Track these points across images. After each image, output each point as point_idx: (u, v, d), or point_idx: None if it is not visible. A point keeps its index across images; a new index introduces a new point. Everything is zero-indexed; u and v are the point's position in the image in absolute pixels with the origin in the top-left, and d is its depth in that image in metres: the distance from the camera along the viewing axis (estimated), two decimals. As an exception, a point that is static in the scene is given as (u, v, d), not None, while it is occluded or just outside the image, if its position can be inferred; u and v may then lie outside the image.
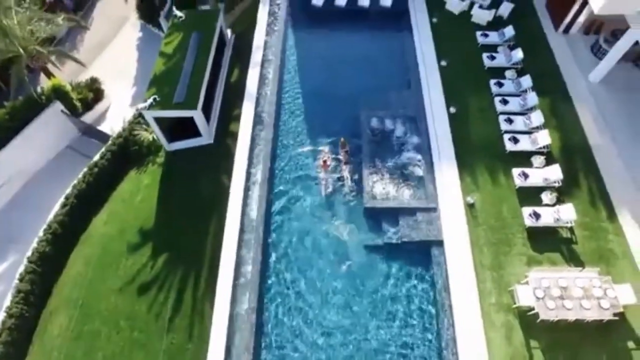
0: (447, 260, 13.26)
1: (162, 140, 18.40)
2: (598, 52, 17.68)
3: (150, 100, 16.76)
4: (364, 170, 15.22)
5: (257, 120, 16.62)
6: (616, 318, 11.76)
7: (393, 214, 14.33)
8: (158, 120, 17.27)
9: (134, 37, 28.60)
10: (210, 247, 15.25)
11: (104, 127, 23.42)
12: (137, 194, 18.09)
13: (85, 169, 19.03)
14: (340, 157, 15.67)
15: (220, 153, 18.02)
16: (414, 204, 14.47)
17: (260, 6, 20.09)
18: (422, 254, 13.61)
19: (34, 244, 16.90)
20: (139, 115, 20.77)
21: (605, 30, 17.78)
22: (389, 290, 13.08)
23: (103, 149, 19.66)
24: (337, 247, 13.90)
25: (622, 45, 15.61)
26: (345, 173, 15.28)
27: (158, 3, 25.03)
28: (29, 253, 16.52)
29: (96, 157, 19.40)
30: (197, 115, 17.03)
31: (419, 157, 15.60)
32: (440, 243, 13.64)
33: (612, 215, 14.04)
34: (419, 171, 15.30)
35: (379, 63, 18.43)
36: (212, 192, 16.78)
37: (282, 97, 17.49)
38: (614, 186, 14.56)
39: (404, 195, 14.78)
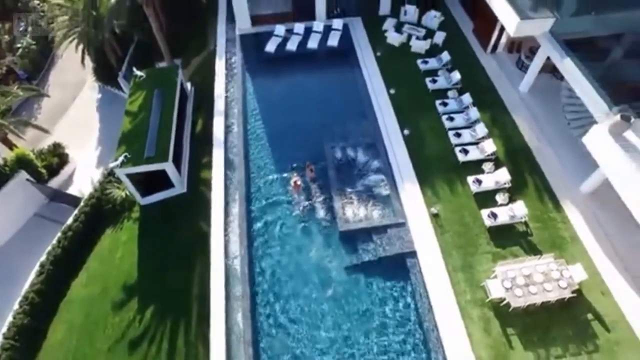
0: (422, 268, 14.35)
1: (136, 195, 18.87)
2: (522, 67, 20.03)
3: (121, 158, 17.35)
4: (334, 197, 16.29)
5: (228, 163, 17.50)
6: (574, 295, 13.15)
7: (367, 234, 15.38)
8: (130, 176, 17.80)
9: (93, 99, 29.20)
10: (197, 291, 15.65)
11: (72, 190, 23.59)
12: (116, 251, 18.31)
13: (59, 234, 19.11)
14: (308, 178, 16.82)
15: (194, 200, 18.68)
16: (384, 222, 15.61)
17: (217, 58, 21.36)
18: (399, 266, 14.62)
19: (10, 318, 16.61)
20: (110, 174, 21.19)
21: (524, 48, 20.25)
22: (374, 303, 13.93)
23: (76, 212, 19.84)
24: (322, 274, 14.64)
25: (538, 60, 17.94)
26: (313, 192, 16.44)
27: (115, 64, 25.89)
28: (4, 329, 16.20)
29: (69, 221, 19.54)
30: (169, 167, 17.74)
31: (383, 178, 16.88)
32: (413, 254, 14.75)
33: (557, 206, 15.76)
34: (385, 191, 16.56)
35: (335, 98, 19.89)
36: (192, 239, 17.31)
37: (249, 139, 18.48)
38: (555, 180, 16.38)
39: (374, 215, 15.92)
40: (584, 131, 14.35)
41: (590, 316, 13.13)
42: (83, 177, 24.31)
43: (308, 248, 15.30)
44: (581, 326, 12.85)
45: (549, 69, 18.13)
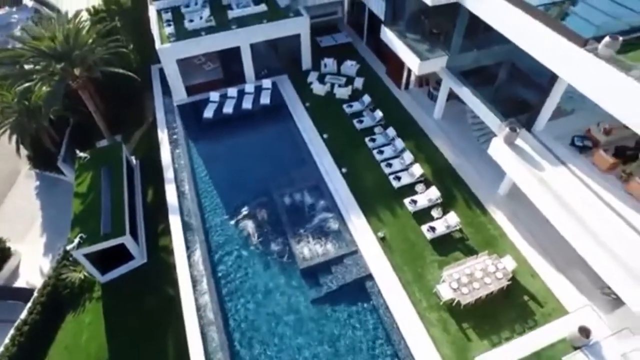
0: (380, 287, 15.84)
1: (95, 274, 18.97)
2: (432, 98, 23.10)
3: (77, 240, 17.60)
4: (290, 240, 17.59)
5: (186, 226, 18.30)
6: (510, 282, 15.20)
7: (326, 266, 16.72)
8: (88, 256, 18.01)
9: (31, 186, 28.68)
10: (176, 356, 15.94)
11: (19, 284, 22.82)
12: (81, 334, 18.10)
13: (12, 332, 18.53)
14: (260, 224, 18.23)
15: (156, 268, 19.11)
16: (339, 253, 17.05)
17: (159, 130, 22.48)
18: (359, 290, 16.03)
19: None
20: (63, 258, 21.04)
21: (431, 82, 23.49)
22: (343, 328, 15.10)
23: (30, 304, 19.38)
24: (292, 312, 15.63)
25: (444, 91, 21.01)
26: (271, 237, 17.81)
27: (53, 149, 25.97)
28: None
29: (23, 315, 19.04)
30: (127, 239, 18.22)
31: (331, 214, 18.48)
32: (370, 276, 16.25)
33: (484, 210, 18.17)
34: (334, 226, 18.12)
35: (276, 150, 21.55)
36: (161, 307, 17.63)
37: (202, 200, 19.44)
38: (478, 189, 18.91)
39: (329, 249, 17.35)
40: (489, 144, 17.05)
41: (526, 297, 15.19)
42: (30, 268, 23.63)
43: (275, 290, 16.28)
44: (521, 307, 14.81)
45: (454, 95, 21.23)
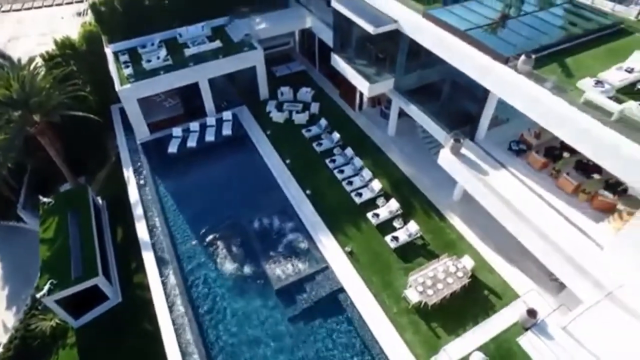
0: (352, 299, 16.75)
1: (68, 319, 18.82)
2: (385, 116, 24.70)
3: (47, 286, 17.51)
4: (263, 263, 18.31)
5: (160, 261, 18.59)
6: (470, 279, 16.52)
7: (299, 285, 17.50)
8: (60, 301, 17.90)
9: (-14, 238, 27.80)
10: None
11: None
12: (58, 383, 17.80)
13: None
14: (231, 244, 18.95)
15: (133, 306, 19.21)
16: (310, 271, 17.90)
17: (124, 169, 22.75)
18: (333, 303, 16.87)
19: None
20: (31, 308, 20.68)
21: (382, 101, 25.17)
22: (322, 342, 15.82)
23: (-6, 364, 18.87)
24: (271, 331, 16.24)
25: (394, 109, 22.66)
26: (245, 263, 18.42)
27: (11, 196, 25.46)
28: None
29: (-11, 375, 18.54)
30: (100, 280, 18.30)
31: (299, 235, 19.31)
32: (342, 289, 17.15)
33: (441, 216, 19.61)
34: (304, 245, 18.96)
35: (242, 178, 22.22)
36: (141, 345, 17.70)
37: (174, 233, 19.78)
38: (434, 197, 20.39)
39: (301, 268, 18.15)
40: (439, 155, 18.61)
41: (486, 292, 16.53)
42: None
43: (254, 313, 16.83)
44: (482, 301, 16.10)
45: (405, 113, 22.85)
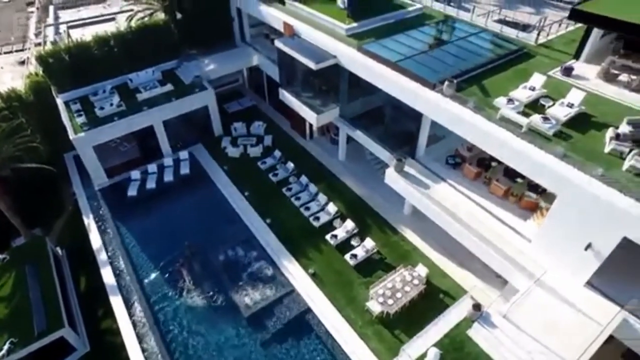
0: (320, 318, 17.67)
1: (33, 378, 18.27)
2: (335, 143, 26.32)
3: (7, 346, 17.00)
4: (232, 292, 18.93)
5: (128, 303, 18.73)
6: (426, 286, 17.96)
7: (268, 310, 18.25)
8: (22, 360, 17.48)
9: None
10: None
11: None
12: None
13: None
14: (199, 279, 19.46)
15: (102, 353, 18.95)
16: (278, 295, 18.71)
17: (84, 216, 22.75)
18: (302, 324, 17.70)
19: None
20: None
21: (331, 129, 26.87)
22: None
23: None
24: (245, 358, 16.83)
25: (342, 136, 24.37)
26: (214, 295, 18.95)
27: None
28: None
29: None
30: (67, 332, 18.04)
31: (264, 263, 20.15)
32: (309, 310, 18.05)
33: (395, 231, 21.13)
34: (269, 272, 19.78)
35: (203, 214, 22.80)
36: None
37: (141, 277, 19.97)
38: (387, 213, 21.94)
39: (268, 293, 18.92)
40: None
41: (441, 295, 18.02)
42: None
43: (227, 343, 17.31)
44: (438, 303, 17.51)
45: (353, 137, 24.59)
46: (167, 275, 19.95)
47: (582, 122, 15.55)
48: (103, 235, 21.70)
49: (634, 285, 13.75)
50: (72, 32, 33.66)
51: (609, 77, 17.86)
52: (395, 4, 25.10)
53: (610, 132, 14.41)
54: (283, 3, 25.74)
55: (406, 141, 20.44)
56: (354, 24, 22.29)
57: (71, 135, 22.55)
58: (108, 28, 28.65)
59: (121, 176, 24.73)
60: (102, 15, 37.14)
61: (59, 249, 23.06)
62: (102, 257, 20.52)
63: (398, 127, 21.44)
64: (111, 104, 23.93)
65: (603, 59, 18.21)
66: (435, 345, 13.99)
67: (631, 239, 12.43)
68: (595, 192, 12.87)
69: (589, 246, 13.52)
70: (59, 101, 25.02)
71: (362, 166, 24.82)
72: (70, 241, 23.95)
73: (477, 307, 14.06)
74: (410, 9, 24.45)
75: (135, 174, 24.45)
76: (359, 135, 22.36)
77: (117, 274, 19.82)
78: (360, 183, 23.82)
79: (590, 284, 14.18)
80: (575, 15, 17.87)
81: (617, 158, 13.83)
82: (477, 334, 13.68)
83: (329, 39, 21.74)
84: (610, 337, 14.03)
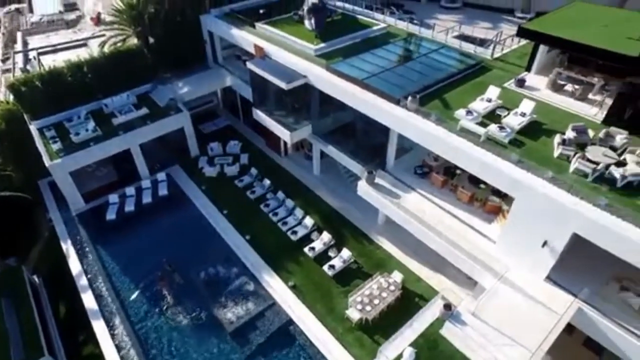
0: (302, 328, 18.22)
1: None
2: (309, 158, 27.19)
3: (-16, 379, 16.92)
4: (214, 309, 19.27)
5: (111, 327, 18.79)
6: (402, 291, 18.80)
7: (251, 324, 18.67)
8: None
9: None
10: None
11: None
12: None
13: None
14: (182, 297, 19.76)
15: (84, 378, 19.00)
16: (259, 309, 19.15)
17: (62, 242, 22.69)
18: (285, 335, 18.19)
19: None
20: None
21: (305, 146, 27.76)
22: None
23: None
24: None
25: (316, 151, 25.28)
26: (196, 312, 19.28)
27: None
28: None
29: None
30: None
31: (245, 278, 20.58)
32: (290, 321, 18.57)
33: (370, 240, 21.99)
34: (250, 287, 20.24)
35: (184, 234, 23.05)
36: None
37: (123, 296, 20.10)
38: (362, 224, 22.80)
39: (250, 308, 19.35)
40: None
41: (417, 299, 18.86)
42: None
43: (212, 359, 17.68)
44: (414, 307, 18.23)
45: (323, 155, 25.52)
46: (149, 295, 20.13)
47: (534, 130, 16.92)
48: (82, 260, 21.71)
49: (587, 276, 14.95)
50: (43, 58, 33.75)
51: (556, 87, 19.44)
52: (361, 24, 26.52)
53: (557, 138, 15.74)
54: (253, 26, 26.76)
55: (376, 154, 21.45)
56: (322, 44, 23.46)
57: (47, 162, 22.64)
58: (80, 53, 29.04)
59: (99, 200, 24.80)
60: (73, 41, 37.38)
61: (35, 277, 22.93)
62: (82, 282, 20.56)
63: (368, 140, 22.46)
64: (87, 130, 24.14)
65: (551, 71, 19.82)
66: (410, 345, 14.78)
67: (580, 234, 13.64)
68: (547, 193, 14.07)
69: (545, 243, 14.68)
70: (33, 128, 25.08)
71: (336, 180, 25.73)
72: (48, 268, 23.86)
73: (447, 307, 14.97)
74: (375, 28, 25.84)
75: (114, 198, 24.61)
76: (332, 150, 23.30)
77: (98, 298, 19.86)
78: (335, 196, 24.68)
79: (549, 278, 15.31)
80: (522, 33, 19.46)
81: (564, 161, 15.14)
82: (449, 332, 14.54)
83: (299, 60, 22.80)
84: (573, 328, 15.20)
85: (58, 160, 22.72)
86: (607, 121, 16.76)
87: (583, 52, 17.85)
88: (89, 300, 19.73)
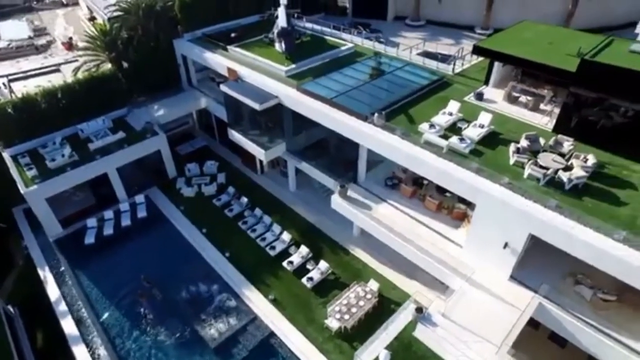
0: (283, 340, 18.73)
1: None
2: (285, 175, 27.96)
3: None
4: (196, 326, 19.62)
5: (93, 350, 18.86)
6: (378, 298, 19.60)
7: (234, 339, 19.08)
8: None
9: None
10: None
11: None
12: None
13: None
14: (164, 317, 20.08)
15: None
16: (241, 323, 19.59)
17: (39, 270, 22.58)
18: (268, 348, 18.68)
19: None
20: None
21: (280, 163, 28.54)
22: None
23: None
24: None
25: (291, 168, 26.11)
26: (179, 330, 19.58)
27: None
28: None
29: None
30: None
31: (225, 294, 21.03)
32: (272, 334, 19.08)
33: (346, 252, 22.78)
34: (231, 303, 20.69)
35: (164, 254, 23.34)
36: None
37: (105, 320, 20.19)
38: (337, 236, 23.58)
39: (232, 323, 19.76)
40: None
41: (393, 305, 19.61)
42: None
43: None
44: (390, 313, 18.76)
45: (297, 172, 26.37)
46: (131, 316, 20.29)
47: (492, 140, 18.21)
48: (61, 285, 21.68)
49: (547, 274, 16.11)
50: (14, 84, 33.66)
51: (511, 99, 20.94)
52: (330, 45, 27.77)
53: (512, 147, 17.03)
54: (226, 49, 27.67)
55: (348, 168, 22.39)
56: (293, 65, 24.52)
57: (22, 189, 22.65)
58: (53, 79, 29.24)
59: (77, 225, 24.84)
60: (46, 67, 37.35)
61: (10, 307, 22.67)
62: (61, 308, 20.50)
63: (340, 156, 23.38)
64: (63, 155, 24.27)
65: (507, 84, 21.35)
66: (386, 348, 15.51)
67: (535, 234, 14.81)
68: (504, 198, 15.24)
69: (506, 245, 15.80)
70: (6, 155, 25.03)
71: (311, 194, 26.56)
72: (23, 297, 23.62)
73: (419, 309, 15.82)
74: (343, 48, 27.12)
75: (92, 222, 24.71)
76: (305, 167, 24.17)
77: (79, 323, 19.84)
78: (311, 210, 25.47)
79: (513, 277, 16.39)
80: (477, 51, 21.00)
81: (519, 168, 16.40)
82: (421, 333, 15.38)
83: (271, 81, 23.76)
84: (538, 323, 16.26)
85: (34, 186, 22.79)
86: (557, 129, 18.20)
87: (531, 68, 19.43)
88: (68, 325, 19.71)
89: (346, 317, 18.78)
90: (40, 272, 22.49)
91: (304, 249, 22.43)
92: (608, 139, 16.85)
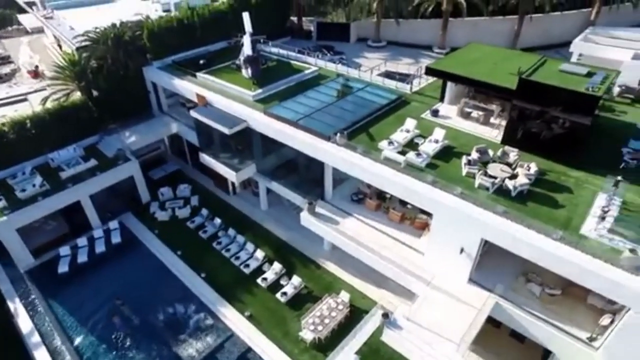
0: (260, 354, 19.35)
1: None
2: (256, 195, 28.73)
3: None
4: (174, 347, 20.00)
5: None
6: (349, 309, 20.52)
7: (212, 356, 19.60)
8: None
9: None
10: None
11: None
12: None
13: None
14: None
15: None
16: (219, 341, 20.15)
17: (8, 302, 22.17)
18: (245, 363, 19.31)
19: None
20: None
21: (252, 183, 29.37)
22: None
23: None
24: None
25: (262, 188, 27.02)
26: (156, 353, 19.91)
27: None
28: None
29: None
30: None
31: (202, 314, 21.52)
32: (249, 349, 19.68)
33: (318, 266, 23.69)
34: (209, 322, 21.18)
35: (141, 278, 23.69)
36: None
37: (80, 348, 20.25)
38: (309, 251, 24.48)
39: (209, 341, 20.24)
40: (303, 217, 23.04)
41: (364, 314, 20.55)
42: None
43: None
44: (354, 322, 19.92)
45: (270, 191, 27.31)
46: (109, 343, 20.43)
47: (446, 153, 19.66)
48: (33, 317, 21.49)
49: (502, 274, 17.44)
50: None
51: (464, 115, 22.62)
52: (294, 69, 29.12)
53: (464, 159, 18.50)
54: (195, 76, 28.60)
55: (316, 186, 23.46)
56: (259, 90, 25.68)
57: (-10, 221, 22.66)
58: (20, 108, 29.25)
59: (50, 254, 24.83)
60: (12, 96, 37.07)
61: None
62: (33, 339, 20.29)
63: (308, 174, 24.40)
64: (33, 185, 24.38)
65: (460, 101, 23.04)
66: (355, 353, 16.39)
67: (487, 239, 16.16)
68: (457, 207, 16.57)
69: (462, 250, 17.08)
70: (-27, 188, 24.96)
71: (282, 212, 27.45)
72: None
73: (385, 315, 16.83)
74: (307, 71, 28.51)
75: (65, 250, 24.76)
76: (275, 186, 25.16)
77: (53, 354, 19.72)
78: (283, 227, 26.33)
79: (471, 279, 17.65)
80: (429, 71, 22.70)
81: (471, 178, 17.84)
82: (388, 337, 16.35)
83: (239, 105, 24.79)
84: (500, 322, 17.47)
85: (3, 218, 22.79)
86: (504, 141, 19.85)
87: (478, 86, 21.19)
88: (41, 356, 19.59)
89: (320, 328, 19.58)
90: (11, 305, 22.17)
91: (277, 266, 23.21)
92: (549, 148, 18.53)
